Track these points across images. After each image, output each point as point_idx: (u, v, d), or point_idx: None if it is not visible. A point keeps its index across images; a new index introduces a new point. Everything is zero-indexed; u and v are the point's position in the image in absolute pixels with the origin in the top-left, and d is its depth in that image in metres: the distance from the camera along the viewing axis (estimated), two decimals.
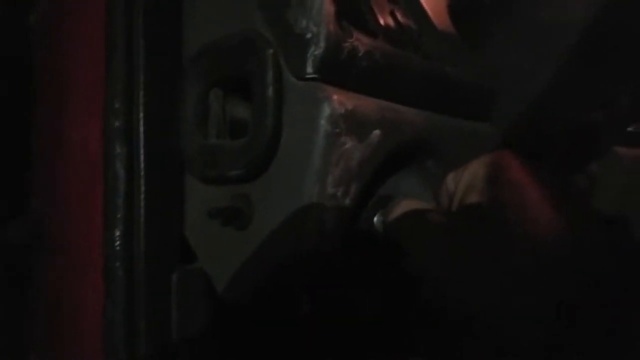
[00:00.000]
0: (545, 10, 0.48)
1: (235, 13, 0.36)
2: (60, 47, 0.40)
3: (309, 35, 0.32)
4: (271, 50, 0.33)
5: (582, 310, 0.30)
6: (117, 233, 0.37)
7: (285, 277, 0.37)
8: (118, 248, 0.37)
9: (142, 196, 0.37)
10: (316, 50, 0.32)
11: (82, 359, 0.38)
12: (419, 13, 0.51)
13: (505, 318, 0.32)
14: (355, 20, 0.41)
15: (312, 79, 0.33)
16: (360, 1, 0.44)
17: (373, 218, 0.41)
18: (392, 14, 0.48)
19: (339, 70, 0.34)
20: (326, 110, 0.32)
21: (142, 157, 0.37)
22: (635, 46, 0.52)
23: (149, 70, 0.37)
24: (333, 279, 0.44)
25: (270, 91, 0.32)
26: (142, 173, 0.37)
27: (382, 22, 0.45)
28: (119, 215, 0.37)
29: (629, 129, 0.74)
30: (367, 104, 0.35)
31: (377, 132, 0.35)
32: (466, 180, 0.35)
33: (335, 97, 0.32)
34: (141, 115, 0.37)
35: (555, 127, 0.55)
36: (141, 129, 0.37)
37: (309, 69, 0.32)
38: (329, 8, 0.33)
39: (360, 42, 0.35)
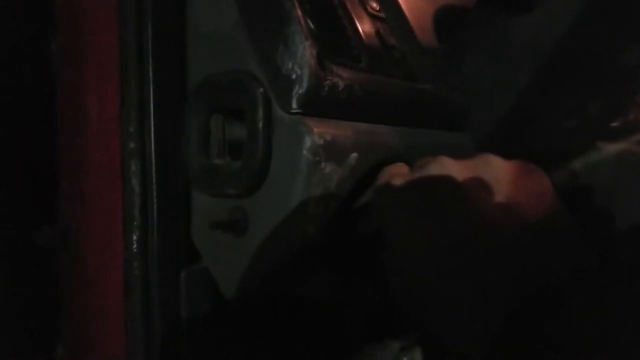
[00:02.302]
0: (517, 32, 0.52)
1: (232, 51, 0.41)
2: (79, 75, 0.46)
3: (293, 76, 0.38)
4: (261, 90, 0.38)
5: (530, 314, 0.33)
6: (134, 238, 0.43)
7: (276, 277, 0.43)
8: (135, 251, 0.43)
9: (155, 207, 0.43)
10: (300, 90, 0.38)
11: (105, 348, 0.45)
12: (405, 31, 0.56)
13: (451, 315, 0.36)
14: (339, 48, 0.46)
15: (297, 114, 0.38)
16: (346, 26, 0.49)
17: (357, 219, 0.48)
18: (378, 34, 0.53)
19: (320, 104, 0.39)
20: (307, 142, 0.37)
21: (154, 174, 0.43)
22: (599, 61, 0.56)
23: (158, 99, 0.43)
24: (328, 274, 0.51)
25: (260, 125, 0.38)
26: (154, 187, 0.43)
27: (366, 42, 0.50)
28: (135, 223, 0.43)
29: (614, 124, 0.78)
30: (345, 131, 0.41)
31: (354, 155, 0.41)
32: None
33: (316, 129, 0.38)
34: (152, 137, 0.43)
35: (529, 134, 0.60)
36: (152, 149, 0.43)
37: (294, 106, 0.38)
38: (311, 51, 0.38)
39: (340, 77, 0.40)
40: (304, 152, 0.37)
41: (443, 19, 0.58)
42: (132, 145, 0.43)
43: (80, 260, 0.46)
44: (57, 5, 0.48)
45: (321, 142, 0.38)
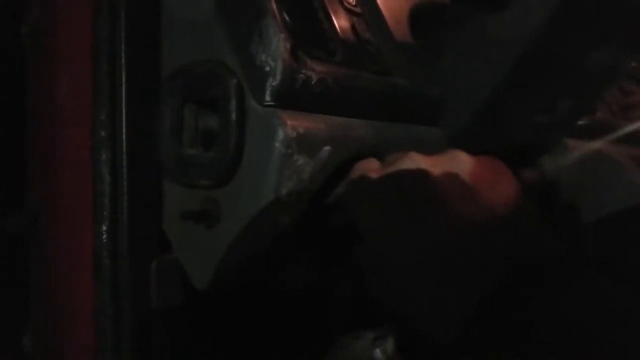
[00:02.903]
0: (493, 28, 0.53)
1: (206, 40, 0.41)
2: (50, 60, 0.45)
3: (267, 69, 0.38)
4: (235, 80, 0.38)
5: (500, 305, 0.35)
6: (104, 228, 0.43)
7: (248, 269, 0.43)
8: (105, 240, 0.43)
9: (125, 197, 0.43)
10: (273, 82, 0.38)
11: (74, 337, 0.44)
12: (380, 26, 0.56)
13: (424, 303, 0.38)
14: (314, 41, 0.46)
15: (271, 106, 0.38)
16: (322, 19, 0.49)
17: (330, 212, 0.48)
18: (354, 28, 0.53)
19: (294, 97, 0.39)
20: (280, 135, 0.37)
21: (124, 163, 0.43)
22: (570, 59, 0.57)
23: (130, 86, 0.42)
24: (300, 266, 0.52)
25: (233, 116, 0.38)
26: (125, 176, 0.43)
27: (342, 37, 0.50)
28: (105, 213, 0.43)
29: (580, 122, 0.81)
30: (319, 124, 0.41)
31: (327, 148, 0.41)
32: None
33: (289, 122, 0.38)
34: (124, 126, 0.43)
35: (501, 130, 0.61)
36: (124, 138, 0.43)
37: (267, 98, 0.38)
38: (285, 44, 0.38)
39: (314, 71, 0.40)
40: (277, 144, 0.37)
41: (419, 15, 0.58)
42: (102, 133, 0.42)
43: (49, 248, 0.45)
44: None
45: (294, 134, 0.38)
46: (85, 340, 0.44)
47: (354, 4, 0.53)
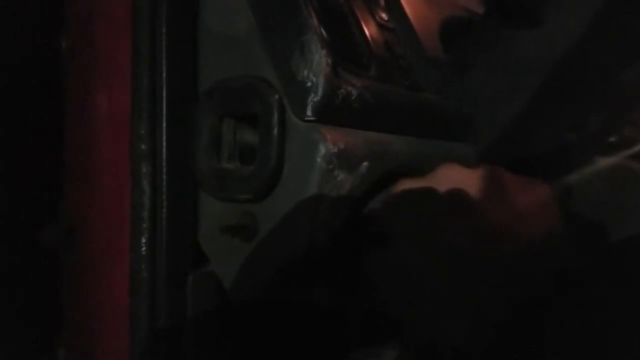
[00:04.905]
0: (522, 46, 0.53)
1: (245, 56, 0.41)
2: (89, 74, 0.46)
3: (309, 84, 0.38)
4: (276, 96, 0.39)
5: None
6: (143, 240, 0.43)
7: (284, 282, 0.44)
8: (143, 253, 0.43)
9: (164, 209, 0.43)
10: (315, 98, 0.38)
11: (109, 349, 0.45)
12: (412, 41, 0.56)
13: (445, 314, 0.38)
14: (349, 56, 0.46)
15: (311, 121, 0.39)
16: (356, 34, 0.50)
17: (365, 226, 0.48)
18: (387, 43, 0.53)
19: (334, 112, 0.40)
20: (322, 150, 0.38)
21: (164, 176, 0.43)
22: (600, 77, 0.57)
23: (170, 100, 0.43)
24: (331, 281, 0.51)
25: (275, 131, 0.38)
26: (165, 190, 0.43)
27: (375, 51, 0.51)
28: (144, 225, 0.43)
29: (611, 139, 0.80)
30: (357, 140, 0.41)
31: (365, 164, 0.41)
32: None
33: (329, 137, 0.38)
34: (164, 139, 0.43)
35: (530, 146, 0.61)
36: (164, 152, 0.43)
37: (309, 113, 0.38)
38: (326, 60, 0.38)
39: (353, 86, 0.41)
40: (318, 159, 0.38)
41: (450, 31, 0.59)
42: (143, 147, 0.43)
43: (84, 260, 0.46)
44: (68, 3, 0.48)
45: (335, 150, 0.38)
46: (120, 353, 0.45)
47: (386, 19, 0.54)
